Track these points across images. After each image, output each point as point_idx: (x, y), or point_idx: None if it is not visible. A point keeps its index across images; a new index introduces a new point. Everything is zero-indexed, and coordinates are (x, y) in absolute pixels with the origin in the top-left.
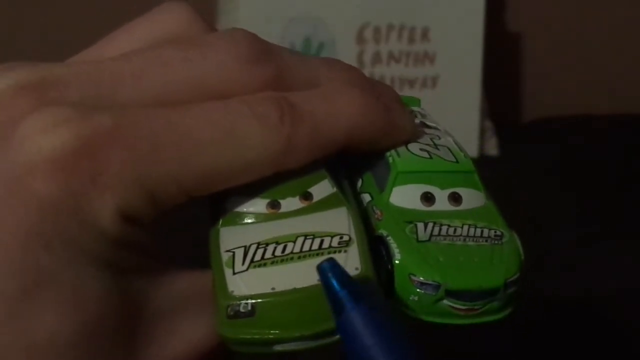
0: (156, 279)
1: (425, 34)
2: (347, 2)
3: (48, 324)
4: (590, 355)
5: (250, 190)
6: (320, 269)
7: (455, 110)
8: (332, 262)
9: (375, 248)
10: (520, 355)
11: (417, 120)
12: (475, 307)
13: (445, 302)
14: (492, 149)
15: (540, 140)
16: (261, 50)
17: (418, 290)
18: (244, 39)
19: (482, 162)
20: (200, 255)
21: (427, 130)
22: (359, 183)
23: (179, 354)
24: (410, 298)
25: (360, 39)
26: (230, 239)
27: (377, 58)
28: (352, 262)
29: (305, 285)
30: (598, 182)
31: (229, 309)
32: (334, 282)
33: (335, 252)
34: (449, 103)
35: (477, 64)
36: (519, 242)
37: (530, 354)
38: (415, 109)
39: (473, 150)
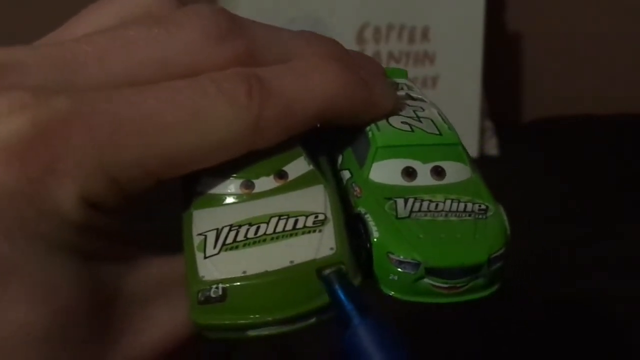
0: (129, 265)
1: (425, 34)
2: (347, 2)
3: (18, 315)
4: (590, 355)
5: (223, 171)
6: (325, 279)
7: (455, 110)
8: (339, 273)
9: (354, 226)
10: (520, 354)
11: (402, 93)
12: (458, 285)
13: (426, 280)
14: (492, 149)
15: (540, 140)
16: (229, 25)
17: (397, 269)
18: (211, 14)
19: (482, 162)
20: (177, 238)
21: (410, 102)
22: (339, 159)
23: (155, 340)
24: (390, 277)
25: (360, 39)
26: (203, 221)
27: (377, 58)
28: (327, 241)
29: (277, 267)
30: (598, 182)
31: (200, 295)
32: (341, 295)
33: (309, 231)
34: (449, 103)
35: (477, 64)
36: (505, 216)
37: (530, 353)
38: (401, 81)
39: (473, 150)
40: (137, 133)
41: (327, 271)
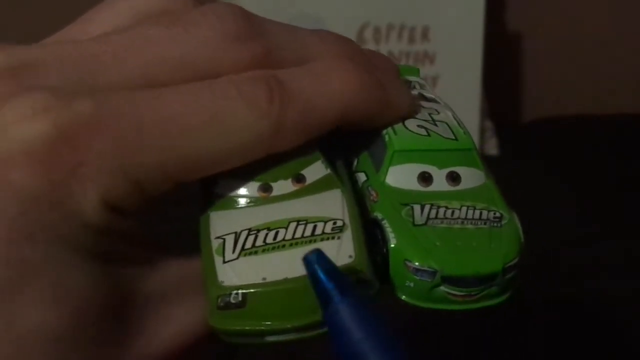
0: (146, 266)
1: (425, 34)
2: (347, 2)
3: (35, 315)
4: (590, 355)
5: (241, 174)
6: (306, 260)
7: (455, 111)
8: (319, 253)
9: (370, 231)
10: (520, 354)
11: (415, 92)
12: (473, 293)
13: (442, 288)
14: (492, 149)
15: (540, 140)
16: (248, 26)
17: (414, 276)
18: (230, 14)
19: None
20: (194, 239)
21: (425, 104)
22: (355, 161)
23: (171, 340)
24: (406, 284)
25: (360, 39)
26: (221, 224)
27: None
28: (345, 249)
29: (297, 275)
30: (598, 182)
31: (219, 300)
32: (321, 274)
33: (328, 238)
34: (449, 103)
35: (477, 64)
36: (518, 224)
37: (530, 353)
38: (413, 79)
39: None
40: (159, 136)
41: (308, 253)
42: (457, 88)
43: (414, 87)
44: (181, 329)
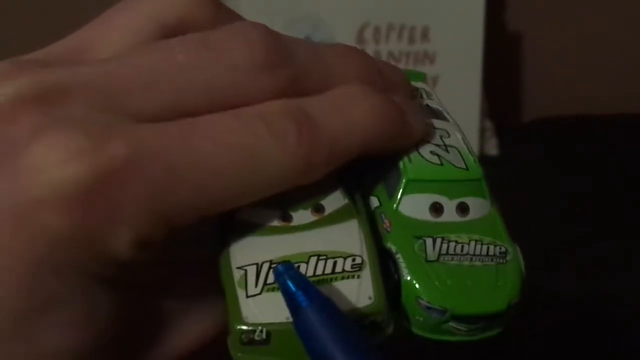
0: (165, 285)
1: (425, 34)
2: (347, 2)
3: (56, 339)
4: (590, 355)
5: (262, 202)
6: (275, 271)
7: (455, 110)
8: (287, 265)
9: (384, 262)
10: (520, 354)
11: (423, 102)
12: (477, 328)
13: (450, 324)
14: (492, 149)
15: (540, 140)
16: (277, 52)
17: (424, 312)
18: (259, 39)
19: (482, 162)
20: (209, 258)
21: (436, 123)
22: (368, 185)
23: (184, 348)
24: (416, 318)
25: (360, 39)
26: (242, 253)
27: (377, 58)
28: (365, 289)
29: None
30: (598, 182)
31: (243, 336)
32: (290, 284)
33: (348, 277)
34: (449, 103)
35: (477, 64)
36: (521, 259)
37: (530, 353)
38: (419, 85)
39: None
40: (191, 179)
41: (278, 265)
42: (457, 88)
43: (421, 96)
44: (193, 338)
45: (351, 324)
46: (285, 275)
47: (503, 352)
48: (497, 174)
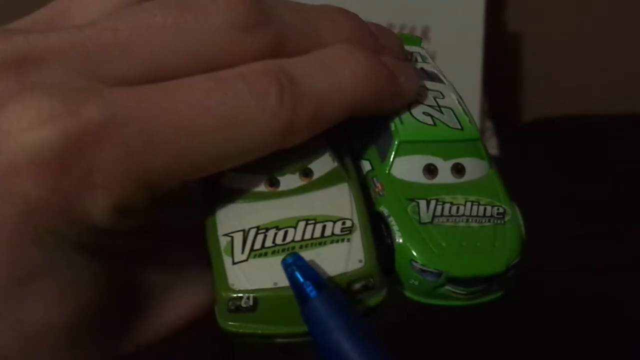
0: (149, 256)
1: (425, 34)
2: (347, 2)
3: (41, 311)
4: (591, 355)
5: (248, 167)
6: (284, 262)
7: None
8: (295, 256)
9: (375, 225)
10: (519, 354)
11: (417, 65)
12: (475, 291)
13: (446, 287)
14: (492, 149)
15: (540, 140)
16: (258, 12)
17: (419, 275)
18: (239, 0)
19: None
20: (195, 226)
21: (430, 84)
22: (359, 148)
23: (173, 322)
24: (410, 282)
25: None
26: (228, 220)
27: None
28: (355, 252)
29: None
30: (598, 182)
31: (230, 303)
32: (298, 275)
33: (338, 240)
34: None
35: (477, 64)
36: (521, 219)
37: (530, 353)
38: (414, 49)
39: None
40: (169, 142)
41: (286, 256)
42: (457, 88)
43: (416, 60)
44: (183, 312)
45: (358, 314)
46: (294, 265)
47: (502, 351)
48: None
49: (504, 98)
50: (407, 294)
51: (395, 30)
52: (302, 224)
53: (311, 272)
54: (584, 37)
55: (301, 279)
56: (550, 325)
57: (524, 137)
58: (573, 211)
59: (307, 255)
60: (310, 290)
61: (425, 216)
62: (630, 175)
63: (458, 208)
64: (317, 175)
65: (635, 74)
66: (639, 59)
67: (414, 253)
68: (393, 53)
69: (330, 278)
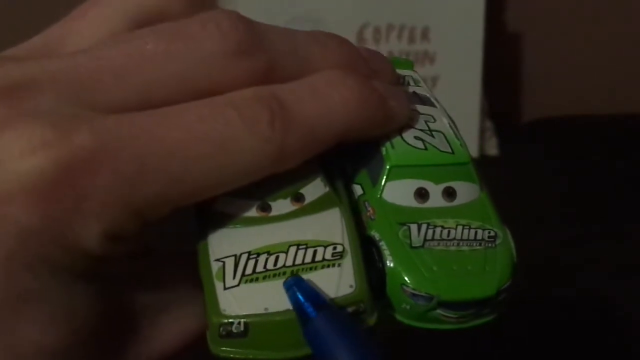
0: (143, 279)
1: (425, 34)
2: (347, 2)
3: (34, 335)
4: (591, 355)
5: (240, 192)
6: (285, 284)
7: (455, 111)
8: (297, 278)
9: (367, 249)
10: (519, 354)
11: (409, 89)
12: (466, 315)
13: (437, 311)
14: (492, 149)
15: (540, 140)
16: (250, 39)
17: (410, 300)
18: (231, 26)
19: (482, 162)
20: (187, 253)
21: (421, 108)
22: (350, 172)
23: (164, 346)
24: (402, 306)
25: (360, 39)
26: (220, 245)
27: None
28: (346, 277)
29: None
30: (598, 183)
31: (221, 329)
32: (299, 296)
33: (329, 265)
34: (449, 103)
35: (477, 64)
36: (512, 242)
37: (529, 353)
38: (406, 72)
39: (473, 151)
40: (161, 169)
41: (287, 279)
42: (457, 88)
43: (408, 84)
44: (175, 336)
45: (360, 333)
46: (295, 287)
47: (501, 351)
48: (497, 174)
49: (504, 98)
50: (399, 317)
51: (396, 31)
52: (293, 249)
53: (312, 292)
54: (584, 38)
55: (302, 300)
56: (550, 325)
57: (524, 137)
58: (573, 211)
59: None
60: (311, 310)
61: (416, 240)
62: (630, 175)
63: (449, 232)
64: (308, 200)
65: (635, 74)
66: (639, 59)
67: (405, 277)
68: (384, 77)
69: (331, 299)
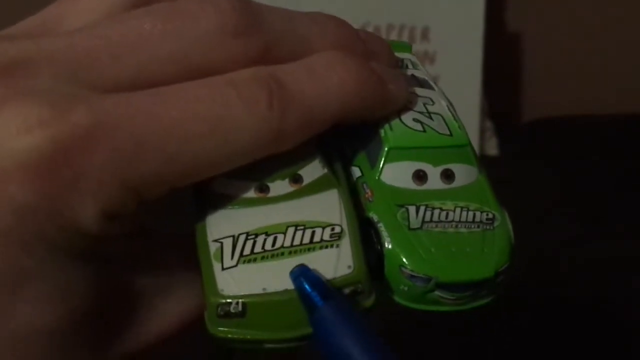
0: (141, 260)
1: (425, 34)
2: (347, 2)
3: (32, 315)
4: (590, 355)
5: (238, 173)
6: (292, 274)
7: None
8: (303, 267)
9: (365, 231)
10: (519, 354)
11: (408, 72)
12: (464, 297)
13: (435, 293)
14: (492, 149)
15: (540, 140)
16: (247, 19)
17: (408, 281)
18: (228, 6)
19: (482, 162)
20: (186, 234)
21: (419, 91)
22: (349, 154)
23: (162, 329)
24: (400, 287)
25: None
26: (218, 226)
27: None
28: (344, 258)
29: None
30: (598, 182)
31: (219, 309)
32: (306, 285)
33: (327, 246)
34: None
35: (477, 64)
36: (510, 225)
37: (530, 353)
38: (405, 56)
39: None
40: (158, 148)
41: (294, 268)
42: (457, 88)
43: (406, 66)
44: (172, 318)
45: (366, 322)
46: (302, 276)
47: (500, 351)
48: (497, 174)
49: (504, 98)
50: (397, 299)
51: (396, 30)
52: (291, 230)
53: (318, 281)
54: (584, 37)
55: (308, 289)
56: (550, 326)
57: (524, 137)
58: (573, 211)
59: (296, 260)
60: (317, 300)
61: (414, 222)
62: (630, 175)
63: (447, 214)
64: (306, 181)
65: (635, 74)
66: (639, 58)
67: (404, 259)
68: (382, 59)
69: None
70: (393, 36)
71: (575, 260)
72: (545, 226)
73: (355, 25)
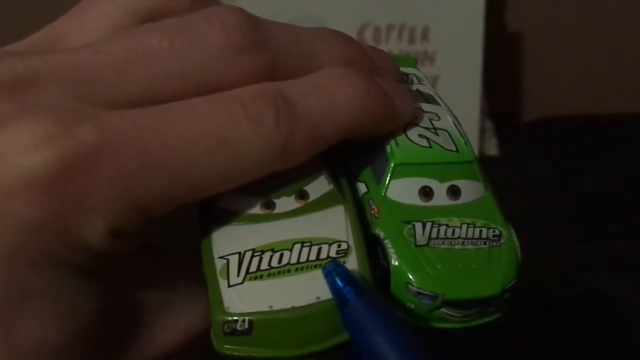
0: (145, 277)
1: (425, 34)
2: (347, 2)
3: (36, 331)
4: (590, 356)
5: (244, 189)
6: (324, 270)
7: (455, 111)
8: (335, 263)
9: (372, 247)
10: (520, 355)
11: (413, 87)
12: (470, 314)
13: (442, 310)
14: (492, 149)
15: (540, 140)
16: (254, 35)
17: (415, 298)
18: (235, 23)
19: (482, 162)
20: (191, 250)
21: (425, 106)
22: (355, 170)
23: (167, 344)
24: (406, 304)
25: (360, 39)
26: (224, 243)
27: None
28: None
29: (303, 304)
30: (598, 182)
31: (226, 327)
32: (338, 280)
33: None
34: (448, 103)
35: (477, 64)
36: (516, 241)
37: (530, 353)
38: (410, 70)
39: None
40: (165, 166)
41: (326, 264)
42: (457, 88)
43: (412, 82)
44: (178, 333)
45: (398, 318)
46: (334, 272)
47: (501, 351)
48: (497, 174)
49: (504, 98)
50: (403, 316)
51: (396, 31)
52: (297, 247)
53: (351, 277)
54: (584, 37)
55: (341, 284)
56: (550, 326)
57: (524, 137)
58: (573, 211)
59: (302, 278)
60: (350, 295)
61: (421, 238)
62: (630, 175)
63: (454, 230)
64: (312, 197)
65: (635, 74)
66: (639, 58)
67: (410, 276)
68: (388, 75)
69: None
70: (393, 36)
71: (575, 260)
72: (545, 226)
73: (356, 26)
